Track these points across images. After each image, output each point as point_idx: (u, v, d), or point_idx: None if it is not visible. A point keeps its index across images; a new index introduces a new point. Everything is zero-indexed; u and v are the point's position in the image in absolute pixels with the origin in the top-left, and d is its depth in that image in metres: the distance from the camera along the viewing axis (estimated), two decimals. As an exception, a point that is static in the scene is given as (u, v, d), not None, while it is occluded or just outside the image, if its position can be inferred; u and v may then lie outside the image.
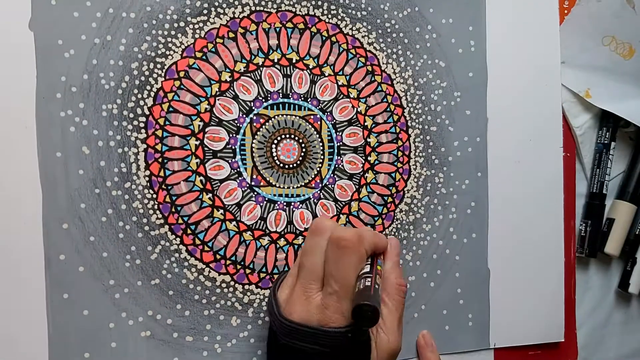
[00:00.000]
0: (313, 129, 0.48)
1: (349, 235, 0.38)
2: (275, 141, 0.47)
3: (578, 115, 0.57)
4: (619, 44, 0.56)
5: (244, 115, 0.46)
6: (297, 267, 0.41)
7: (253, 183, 0.47)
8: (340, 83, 0.49)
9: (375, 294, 0.35)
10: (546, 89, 0.55)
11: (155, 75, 0.44)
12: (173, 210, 0.44)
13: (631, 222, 0.59)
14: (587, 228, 0.58)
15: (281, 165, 0.47)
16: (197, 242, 0.45)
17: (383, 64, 0.50)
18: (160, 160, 0.44)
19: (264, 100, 0.47)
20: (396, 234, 0.51)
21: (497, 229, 0.54)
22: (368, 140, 0.50)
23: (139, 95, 0.43)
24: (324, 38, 0.48)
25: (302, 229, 0.48)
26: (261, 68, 0.47)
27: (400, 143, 0.51)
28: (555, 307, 0.56)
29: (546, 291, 0.56)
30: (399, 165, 0.51)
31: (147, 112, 0.44)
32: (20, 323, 0.40)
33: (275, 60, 0.47)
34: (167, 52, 0.44)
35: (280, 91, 0.47)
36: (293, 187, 0.48)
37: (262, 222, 0.47)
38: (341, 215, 0.49)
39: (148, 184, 0.44)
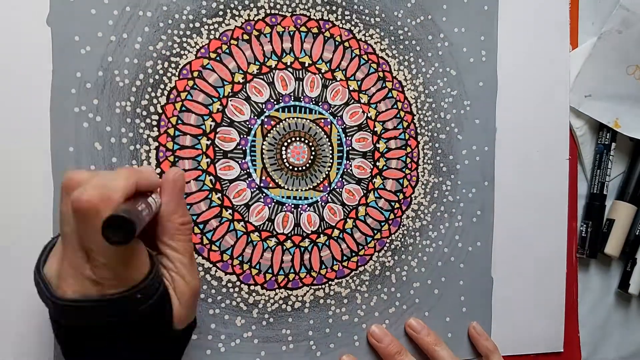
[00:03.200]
0: (323, 132, 0.49)
1: (87, 196, 0.29)
2: (286, 143, 0.48)
3: (578, 115, 0.58)
4: None
5: (256, 117, 0.47)
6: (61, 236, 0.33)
7: (262, 184, 0.47)
8: (351, 88, 0.49)
9: (133, 210, 0.29)
10: (554, 101, 0.56)
11: (169, 74, 0.44)
12: (182, 208, 0.45)
13: (631, 222, 0.59)
14: (588, 229, 0.58)
15: (290, 167, 0.48)
16: (205, 241, 0.45)
17: (395, 70, 0.51)
18: (171, 158, 0.44)
19: (275, 102, 0.47)
20: (402, 240, 0.51)
21: (502, 238, 0.54)
22: (377, 145, 0.50)
23: (153, 94, 0.44)
24: (337, 43, 0.49)
25: (309, 232, 0.48)
26: (274, 71, 0.47)
27: (409, 150, 0.51)
28: (556, 317, 0.56)
29: (548, 301, 0.56)
30: (407, 171, 0.51)
31: (160, 111, 0.44)
32: (26, 321, 0.41)
33: (288, 64, 0.48)
34: (182, 52, 0.45)
35: (292, 94, 0.48)
36: (301, 190, 0.48)
37: (270, 223, 0.47)
38: (348, 219, 0.49)
39: (158, 181, 0.44)
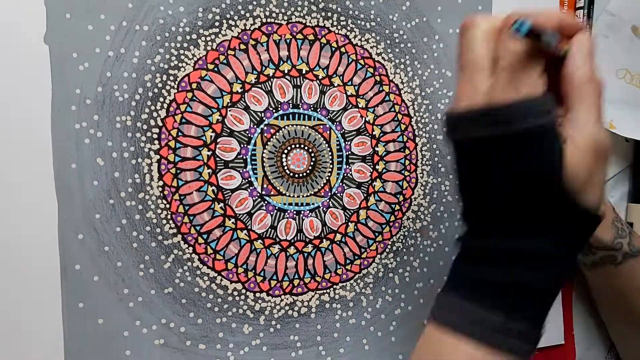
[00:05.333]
0: (322, 138, 0.49)
1: (468, 18, 0.35)
2: (286, 151, 0.48)
3: None
4: (633, 75, 0.58)
5: (255, 126, 0.47)
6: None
7: (263, 192, 0.47)
8: (349, 93, 0.50)
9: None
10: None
11: (168, 87, 0.44)
12: (186, 220, 0.45)
13: None
14: None
15: (291, 174, 0.48)
16: (209, 250, 0.46)
17: (391, 73, 0.51)
18: (173, 170, 0.45)
19: (274, 110, 0.47)
20: (403, 241, 0.51)
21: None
22: (376, 149, 0.51)
23: (152, 107, 0.44)
24: (333, 49, 0.49)
25: (312, 237, 0.49)
26: (272, 79, 0.47)
27: (407, 152, 0.52)
28: (555, 311, 0.57)
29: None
30: (406, 173, 0.52)
31: (160, 124, 0.44)
32: (36, 332, 0.41)
33: (286, 71, 0.48)
34: (180, 64, 0.45)
35: (290, 102, 0.48)
36: (303, 196, 0.48)
37: (273, 230, 0.48)
38: (350, 223, 0.50)
39: (161, 194, 0.44)
